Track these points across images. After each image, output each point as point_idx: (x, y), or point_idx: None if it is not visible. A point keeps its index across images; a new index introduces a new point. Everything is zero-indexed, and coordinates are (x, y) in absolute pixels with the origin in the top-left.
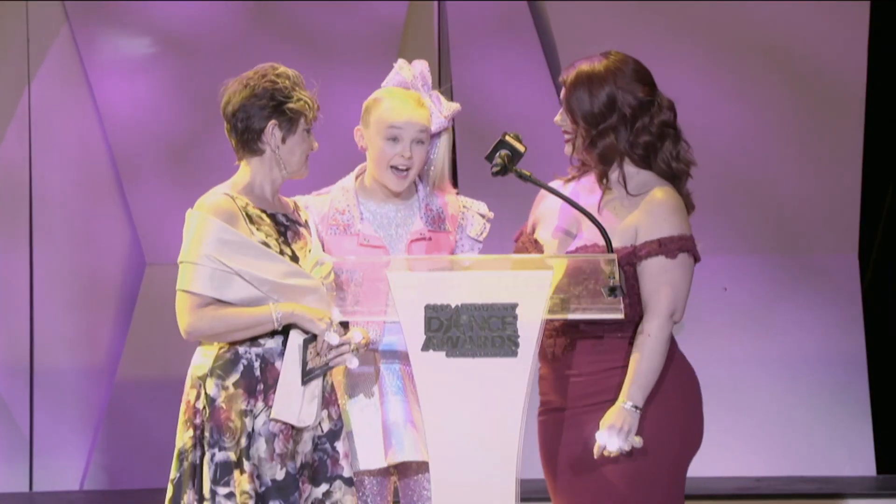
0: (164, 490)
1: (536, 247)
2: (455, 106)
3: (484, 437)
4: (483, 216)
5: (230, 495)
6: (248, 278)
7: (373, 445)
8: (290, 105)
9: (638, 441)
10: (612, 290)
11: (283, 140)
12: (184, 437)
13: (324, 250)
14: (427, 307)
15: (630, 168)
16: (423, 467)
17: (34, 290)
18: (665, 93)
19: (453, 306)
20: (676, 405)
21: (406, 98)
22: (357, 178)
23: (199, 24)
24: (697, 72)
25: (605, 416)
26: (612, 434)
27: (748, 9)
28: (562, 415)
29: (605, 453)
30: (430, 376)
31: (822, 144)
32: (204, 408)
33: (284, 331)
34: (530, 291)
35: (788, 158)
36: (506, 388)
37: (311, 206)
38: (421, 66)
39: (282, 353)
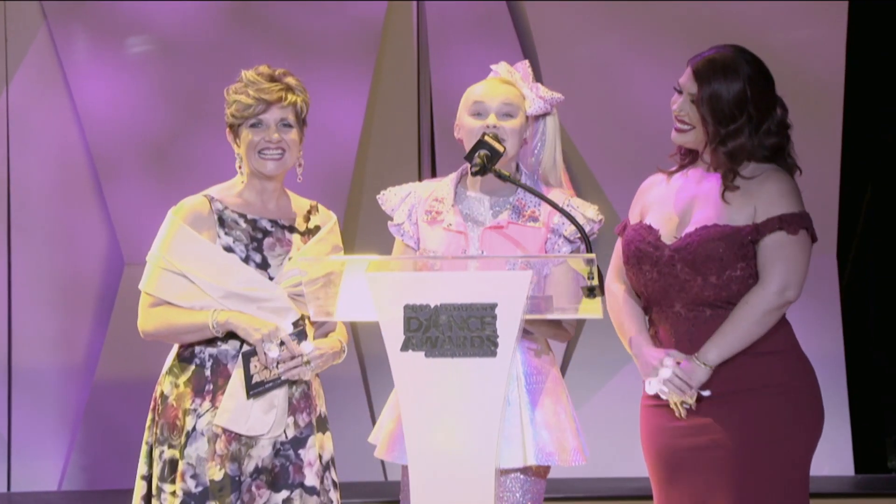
0: None
1: (651, 232)
2: (556, 95)
3: (463, 437)
4: (589, 218)
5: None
6: (198, 283)
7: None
8: (228, 111)
9: (705, 393)
10: (591, 291)
11: (239, 145)
12: (151, 434)
13: (417, 236)
14: (406, 307)
15: (752, 165)
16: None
17: (12, 290)
18: (641, 93)
19: (432, 306)
20: (798, 398)
21: (491, 79)
22: (463, 170)
23: (179, 23)
24: (675, 72)
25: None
26: (672, 382)
27: (725, 10)
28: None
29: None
30: (410, 376)
31: (801, 145)
32: (159, 405)
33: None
34: (510, 291)
35: None
36: (485, 388)
37: (413, 192)
38: (522, 64)
39: (235, 357)
